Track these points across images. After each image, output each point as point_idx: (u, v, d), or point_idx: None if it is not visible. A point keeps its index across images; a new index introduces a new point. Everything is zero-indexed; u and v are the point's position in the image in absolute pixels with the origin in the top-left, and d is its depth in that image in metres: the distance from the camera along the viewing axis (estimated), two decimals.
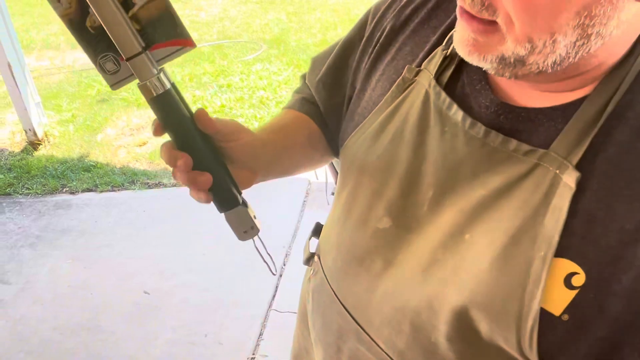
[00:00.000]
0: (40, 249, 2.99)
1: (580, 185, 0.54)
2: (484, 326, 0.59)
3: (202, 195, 0.70)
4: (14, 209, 3.37)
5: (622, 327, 0.53)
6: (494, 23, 0.53)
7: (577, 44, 0.51)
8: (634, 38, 0.55)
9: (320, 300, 0.85)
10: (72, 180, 3.62)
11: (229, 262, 2.80)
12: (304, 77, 0.97)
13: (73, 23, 0.63)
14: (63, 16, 0.63)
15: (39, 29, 7.14)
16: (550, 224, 0.55)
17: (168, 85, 0.65)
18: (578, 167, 0.54)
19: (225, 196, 0.71)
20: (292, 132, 0.89)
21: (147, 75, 0.63)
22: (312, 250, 0.93)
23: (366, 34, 0.83)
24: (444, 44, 0.70)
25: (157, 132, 0.69)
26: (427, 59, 0.71)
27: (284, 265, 2.79)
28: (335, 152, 0.94)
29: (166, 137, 0.70)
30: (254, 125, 4.20)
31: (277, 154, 0.83)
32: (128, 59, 0.63)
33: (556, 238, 0.54)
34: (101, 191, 3.52)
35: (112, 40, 0.62)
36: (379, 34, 0.80)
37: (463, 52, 0.58)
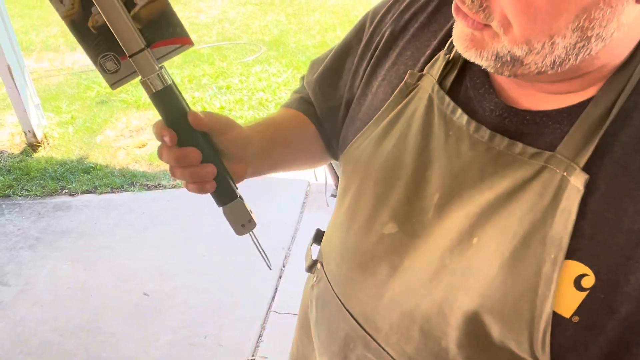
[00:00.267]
0: (39, 251, 2.99)
1: (588, 187, 0.54)
2: (495, 330, 0.59)
3: (207, 186, 0.71)
4: (14, 210, 3.37)
5: (632, 327, 0.53)
6: (486, 26, 0.54)
7: (578, 45, 0.51)
8: (636, 39, 0.55)
9: (325, 308, 0.84)
10: (72, 182, 3.62)
11: (228, 263, 2.80)
12: (302, 78, 0.97)
13: (75, 24, 0.65)
14: (65, 17, 0.64)
15: (38, 31, 7.14)
16: (560, 226, 0.55)
17: (169, 81, 0.67)
18: (585, 169, 0.54)
19: (224, 190, 0.73)
20: (284, 127, 0.89)
21: (149, 71, 0.65)
22: (314, 257, 0.92)
23: (364, 38, 0.83)
24: (445, 48, 0.70)
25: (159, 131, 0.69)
26: (429, 64, 0.71)
27: (284, 266, 2.79)
28: (333, 153, 0.93)
29: None
30: None
31: (266, 147, 0.83)
32: (131, 56, 0.65)
33: (566, 240, 0.54)
34: (100, 193, 3.52)
35: (113, 40, 0.64)
36: (378, 38, 0.80)
37: (461, 47, 0.58)
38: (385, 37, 0.79)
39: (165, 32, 0.67)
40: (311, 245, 0.95)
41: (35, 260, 2.91)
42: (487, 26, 0.54)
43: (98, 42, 0.66)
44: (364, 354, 0.75)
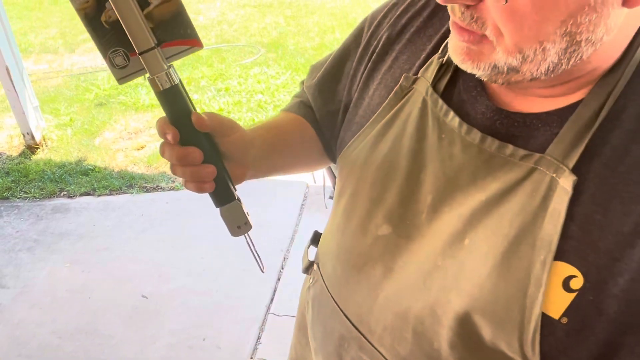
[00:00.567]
0: (38, 253, 2.98)
1: (577, 189, 0.55)
2: (486, 331, 0.60)
3: (206, 185, 0.71)
4: (12, 212, 3.37)
5: (621, 329, 0.53)
6: (483, 36, 0.55)
7: (569, 50, 0.52)
8: (626, 42, 0.56)
9: (320, 309, 0.85)
10: (70, 184, 3.62)
11: (227, 265, 2.80)
12: (302, 83, 0.98)
13: (88, 17, 0.66)
14: (79, 10, 0.65)
15: (37, 33, 7.15)
16: (549, 227, 0.55)
17: (176, 81, 0.68)
18: (574, 170, 0.55)
19: (223, 191, 0.73)
20: (285, 131, 0.90)
21: (157, 69, 0.66)
22: (311, 258, 0.93)
23: (363, 43, 0.84)
24: (439, 51, 0.71)
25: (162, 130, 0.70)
26: (423, 67, 0.72)
27: (282, 268, 2.79)
28: (331, 157, 0.94)
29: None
30: None
31: (267, 150, 0.83)
32: (141, 53, 0.66)
33: (555, 242, 0.54)
34: (99, 195, 3.52)
35: (124, 36, 0.65)
36: (375, 42, 0.81)
37: (457, 60, 0.59)
38: (382, 42, 0.80)
39: (176, 33, 0.68)
40: (308, 246, 0.95)
41: (33, 263, 2.91)
42: (484, 37, 0.55)
43: (109, 36, 0.67)
44: (358, 355, 0.76)
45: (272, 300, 2.60)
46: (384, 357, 0.72)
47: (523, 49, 0.52)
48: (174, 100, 0.68)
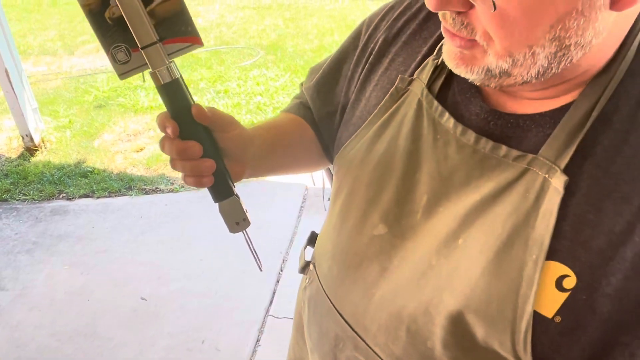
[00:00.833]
0: (37, 255, 2.98)
1: (569, 189, 0.55)
2: (479, 330, 0.60)
3: (205, 180, 0.72)
4: (11, 215, 3.36)
5: (614, 328, 0.54)
6: (473, 41, 0.56)
7: (558, 54, 0.53)
8: (616, 45, 0.57)
9: (316, 309, 0.85)
10: (69, 186, 3.62)
11: (226, 267, 2.80)
12: (302, 84, 0.99)
13: (92, 13, 0.67)
14: (84, 6, 0.67)
15: (36, 35, 7.15)
16: (541, 227, 0.56)
17: (177, 75, 0.69)
18: (566, 171, 0.56)
19: (222, 186, 0.74)
20: (284, 132, 0.90)
21: (159, 63, 0.68)
22: (308, 258, 0.93)
23: (360, 45, 0.85)
24: (434, 53, 0.72)
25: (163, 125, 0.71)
26: (419, 69, 0.73)
27: (281, 270, 2.79)
28: (330, 158, 0.95)
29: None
30: None
31: (266, 149, 0.84)
32: (143, 48, 0.67)
33: (547, 241, 0.55)
34: (98, 197, 3.52)
35: (127, 32, 0.67)
36: (372, 45, 0.82)
37: (451, 64, 0.60)
38: (378, 44, 0.81)
39: (177, 30, 0.69)
40: (305, 247, 0.96)
41: (32, 265, 2.91)
42: (474, 42, 0.56)
43: (112, 32, 0.68)
44: (353, 355, 0.76)
45: (271, 302, 2.60)
46: (379, 357, 0.72)
47: (513, 53, 0.53)
48: (174, 94, 0.69)
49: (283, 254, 2.89)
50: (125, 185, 3.62)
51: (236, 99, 4.86)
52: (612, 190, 0.54)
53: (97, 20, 0.67)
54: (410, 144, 0.70)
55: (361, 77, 0.82)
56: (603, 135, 0.56)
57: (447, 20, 0.57)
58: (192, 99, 0.71)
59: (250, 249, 0.79)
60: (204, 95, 4.96)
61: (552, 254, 0.55)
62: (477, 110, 0.65)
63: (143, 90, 5.03)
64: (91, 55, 6.32)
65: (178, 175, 3.45)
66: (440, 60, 0.70)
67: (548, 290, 0.55)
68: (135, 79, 5.12)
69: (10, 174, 3.78)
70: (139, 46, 0.67)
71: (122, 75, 0.70)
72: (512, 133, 0.62)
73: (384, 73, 0.79)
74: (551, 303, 0.55)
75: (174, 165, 0.72)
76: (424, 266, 0.65)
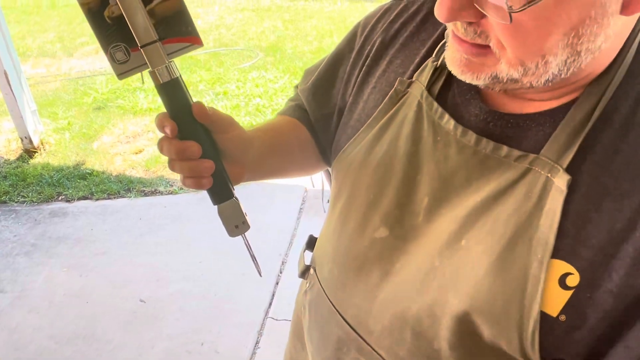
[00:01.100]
0: (35, 257, 2.98)
1: (571, 187, 0.56)
2: (485, 330, 0.60)
3: (204, 181, 0.71)
4: (10, 217, 3.36)
5: (616, 323, 0.54)
6: (486, 47, 0.55)
7: (569, 61, 0.53)
8: (619, 47, 0.57)
9: (317, 313, 0.85)
10: (68, 188, 3.62)
11: (225, 269, 2.79)
12: (297, 87, 0.98)
13: (91, 12, 0.67)
14: (83, 5, 0.66)
15: (35, 37, 7.15)
16: (545, 227, 0.56)
17: (177, 74, 0.69)
18: (568, 170, 0.56)
19: (221, 187, 0.73)
20: (282, 134, 0.90)
21: (158, 62, 0.67)
22: (307, 262, 0.92)
23: (356, 47, 0.85)
24: (433, 55, 0.72)
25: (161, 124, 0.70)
26: (418, 71, 0.73)
27: (280, 272, 2.79)
28: (327, 161, 0.94)
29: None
30: None
31: (265, 151, 0.83)
32: (143, 46, 0.67)
33: (551, 241, 0.55)
34: (97, 199, 3.52)
35: (126, 32, 0.66)
36: (369, 47, 0.82)
37: (456, 71, 0.60)
38: (375, 46, 0.80)
39: (177, 30, 0.69)
40: (304, 251, 0.95)
41: (31, 267, 2.90)
42: (486, 49, 0.55)
43: (111, 32, 0.68)
44: (357, 358, 0.76)
45: (270, 304, 2.60)
46: (383, 359, 0.72)
47: (525, 62, 0.53)
48: (173, 93, 0.69)
49: (282, 256, 2.89)
50: (124, 187, 3.62)
51: (235, 101, 4.87)
52: (612, 188, 0.54)
53: (96, 19, 0.67)
54: (410, 146, 0.70)
55: (358, 80, 0.82)
56: (603, 134, 0.56)
57: (458, 29, 0.56)
58: (192, 99, 0.71)
59: (250, 254, 0.78)
60: (203, 97, 4.96)
61: (555, 252, 0.55)
62: (477, 111, 0.65)
63: (142, 92, 5.03)
64: (90, 57, 6.31)
65: (177, 177, 3.44)
66: (439, 62, 0.70)
67: (552, 288, 0.56)
68: (134, 81, 5.12)
69: (9, 176, 3.77)
70: (139, 45, 0.67)
71: (121, 75, 0.70)
72: (512, 133, 0.62)
73: (381, 75, 0.78)
74: (556, 302, 0.56)
75: (172, 167, 0.71)
76: (427, 268, 0.65)
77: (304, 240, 0.96)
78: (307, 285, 0.90)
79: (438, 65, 0.70)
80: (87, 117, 4.69)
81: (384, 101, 0.75)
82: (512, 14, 0.48)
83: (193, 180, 0.71)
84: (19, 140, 4.07)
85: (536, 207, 0.57)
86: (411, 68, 0.75)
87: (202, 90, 5.17)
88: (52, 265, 2.91)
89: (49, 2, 8.84)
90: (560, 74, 0.54)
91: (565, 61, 0.53)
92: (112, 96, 5.07)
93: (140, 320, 2.54)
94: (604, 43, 0.52)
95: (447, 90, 0.70)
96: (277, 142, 0.87)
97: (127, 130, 4.42)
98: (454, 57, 0.59)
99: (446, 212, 0.65)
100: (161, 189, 3.59)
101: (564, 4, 0.48)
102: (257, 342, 2.40)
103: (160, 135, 0.71)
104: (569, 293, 0.55)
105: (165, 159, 0.76)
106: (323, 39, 6.75)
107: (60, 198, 3.55)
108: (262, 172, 0.85)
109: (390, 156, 0.72)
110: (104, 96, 5.10)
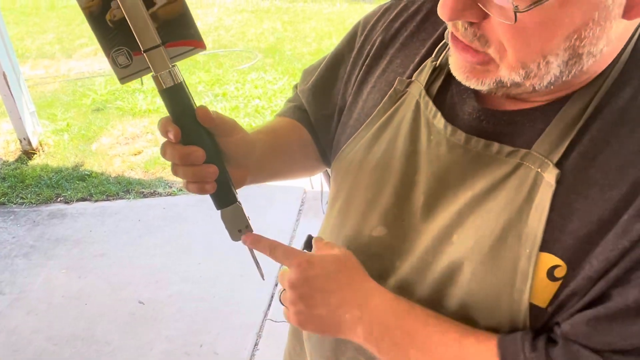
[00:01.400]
0: (34, 259, 2.97)
1: (559, 181, 0.57)
2: (480, 323, 0.62)
3: (208, 186, 0.71)
4: (8, 218, 3.35)
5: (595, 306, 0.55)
6: (485, 54, 0.56)
7: (570, 62, 0.53)
8: (619, 50, 0.57)
9: None
10: (67, 190, 3.61)
11: (224, 271, 2.79)
12: (295, 87, 0.98)
13: (93, 15, 0.66)
14: (84, 8, 0.65)
15: (33, 38, 7.15)
16: (534, 222, 0.57)
17: (180, 79, 0.68)
18: (558, 164, 0.57)
19: (224, 192, 0.73)
20: (283, 136, 0.90)
21: (161, 67, 0.67)
22: None
23: (356, 47, 0.85)
24: (433, 55, 0.72)
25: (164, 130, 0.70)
26: (417, 71, 0.73)
27: None
28: (327, 162, 0.94)
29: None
30: None
31: (267, 154, 0.83)
32: (145, 51, 0.66)
33: (540, 235, 0.56)
34: (96, 200, 3.51)
35: (128, 36, 0.66)
36: (369, 47, 0.82)
37: (461, 77, 0.60)
38: (375, 46, 0.81)
39: (180, 33, 0.68)
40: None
41: (30, 269, 2.90)
42: (488, 56, 0.56)
43: (113, 35, 0.67)
44: (356, 357, 0.76)
45: (269, 306, 2.60)
46: None
47: (527, 64, 0.54)
48: (176, 98, 0.68)
49: None
50: (123, 188, 3.62)
51: (234, 102, 4.87)
52: (599, 179, 0.55)
53: (98, 23, 0.66)
54: (408, 145, 0.70)
55: (358, 79, 0.82)
56: (592, 127, 0.57)
57: (458, 30, 0.56)
58: (195, 103, 0.70)
59: (253, 258, 0.78)
60: (202, 98, 4.96)
61: (543, 246, 0.56)
62: (470, 109, 0.66)
63: (141, 93, 5.03)
64: (89, 58, 6.31)
65: (176, 178, 3.44)
66: (438, 62, 0.71)
67: (541, 281, 0.57)
68: (133, 82, 5.11)
69: (8, 177, 3.77)
70: (142, 49, 0.66)
71: (123, 79, 0.69)
72: (506, 130, 0.63)
73: (381, 75, 0.78)
74: (544, 294, 0.57)
75: (175, 172, 0.71)
76: (422, 265, 0.66)
77: (303, 242, 0.96)
78: None
79: (437, 65, 0.71)
80: (86, 119, 4.68)
81: (383, 101, 0.75)
82: (517, 14, 0.49)
83: (196, 186, 0.71)
84: (18, 141, 4.06)
85: (526, 201, 0.58)
86: (411, 68, 0.75)
87: (201, 91, 5.16)
88: (51, 266, 2.91)
89: (48, 3, 8.84)
90: (562, 76, 0.55)
91: (567, 62, 0.53)
92: (111, 97, 5.07)
93: (139, 322, 2.54)
94: (606, 46, 0.53)
95: (445, 90, 0.70)
96: (278, 144, 0.87)
97: (126, 132, 4.42)
98: (458, 64, 0.60)
99: (442, 210, 0.66)
100: (160, 190, 3.59)
101: (569, 6, 0.48)
102: (256, 344, 2.40)
103: (161, 137, 0.71)
104: (557, 284, 0.56)
105: (164, 160, 0.75)
106: (322, 40, 6.75)
107: (59, 199, 3.55)
108: (264, 175, 0.85)
109: (389, 156, 0.72)
110: (103, 97, 5.09)
